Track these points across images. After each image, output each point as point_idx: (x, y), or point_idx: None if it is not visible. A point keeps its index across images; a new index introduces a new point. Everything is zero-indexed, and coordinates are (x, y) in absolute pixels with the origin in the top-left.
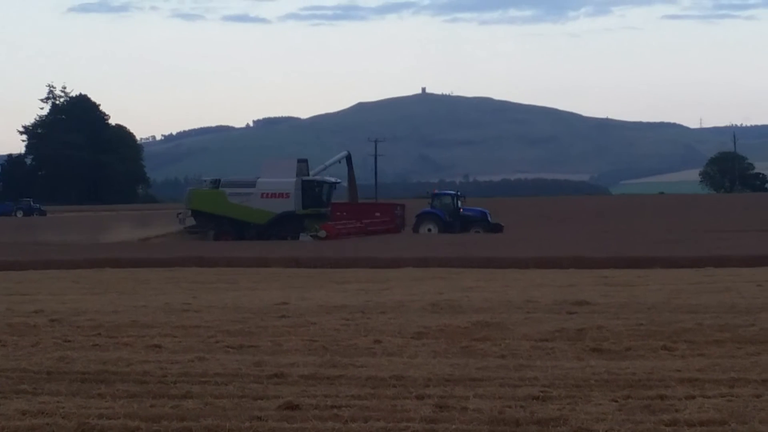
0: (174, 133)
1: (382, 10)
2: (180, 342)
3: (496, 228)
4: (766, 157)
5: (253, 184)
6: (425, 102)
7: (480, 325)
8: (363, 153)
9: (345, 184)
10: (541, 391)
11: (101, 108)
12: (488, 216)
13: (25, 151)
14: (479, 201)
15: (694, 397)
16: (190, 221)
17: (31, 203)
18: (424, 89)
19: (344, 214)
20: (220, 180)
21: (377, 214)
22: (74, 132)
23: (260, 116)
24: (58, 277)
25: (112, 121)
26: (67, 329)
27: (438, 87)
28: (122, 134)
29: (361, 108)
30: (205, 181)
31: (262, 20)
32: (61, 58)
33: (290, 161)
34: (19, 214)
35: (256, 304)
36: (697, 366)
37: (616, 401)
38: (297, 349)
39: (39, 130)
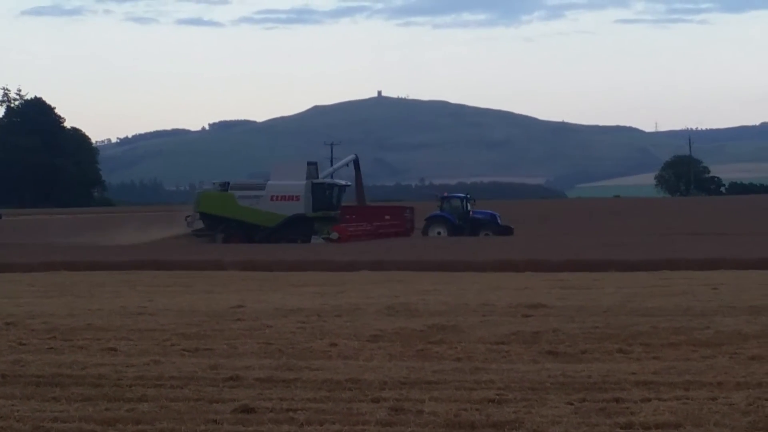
0: (130, 136)
1: (336, 14)
2: (135, 345)
3: (506, 230)
4: (720, 160)
5: (262, 187)
6: (381, 105)
7: (436, 329)
8: (319, 156)
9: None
10: (497, 394)
11: (56, 111)
12: (498, 219)
13: None
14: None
15: (649, 400)
16: (198, 224)
17: None
18: (380, 92)
19: (354, 217)
20: (228, 182)
21: (387, 216)
22: (29, 135)
23: (216, 119)
24: (13, 279)
25: (68, 124)
26: (22, 332)
27: (394, 90)
28: (77, 137)
29: (317, 111)
30: (213, 183)
31: (216, 24)
32: (15, 61)
33: (300, 164)
34: None
35: (211, 307)
36: (652, 369)
37: (572, 404)
38: (253, 352)
39: None
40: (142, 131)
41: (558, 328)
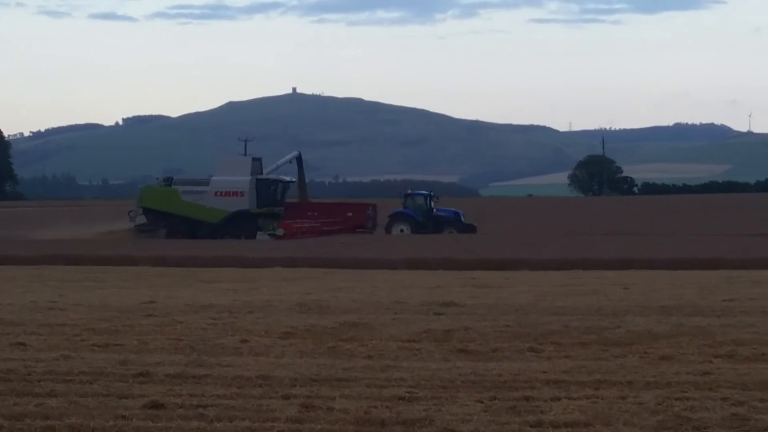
0: (42, 130)
1: (250, 10)
2: (45, 340)
3: (470, 228)
4: (634, 161)
5: (206, 182)
6: (296, 102)
7: (347, 326)
8: (232, 153)
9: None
10: (408, 392)
11: None
12: (461, 216)
13: None
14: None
15: (559, 399)
16: (141, 219)
17: None
18: (294, 89)
19: (316, 213)
20: (172, 178)
21: (349, 213)
22: None
23: (130, 114)
24: None
25: None
26: None
27: (308, 87)
28: None
29: (231, 107)
30: (157, 178)
31: (130, 18)
32: None
33: (245, 159)
34: None
35: (123, 302)
36: (562, 368)
37: (482, 402)
38: (163, 348)
39: None
40: (55, 125)
41: (469, 327)
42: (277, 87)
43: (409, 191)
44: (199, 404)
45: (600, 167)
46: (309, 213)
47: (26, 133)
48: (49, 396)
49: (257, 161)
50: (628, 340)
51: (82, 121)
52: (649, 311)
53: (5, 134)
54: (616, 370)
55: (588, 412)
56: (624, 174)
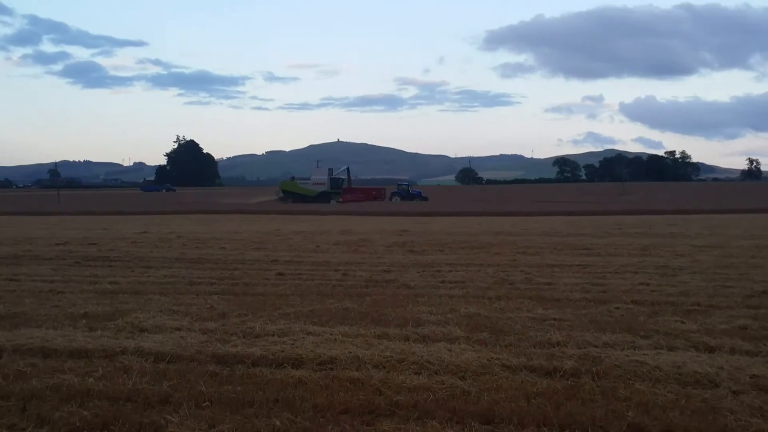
0: (231, 156)
1: (319, 106)
2: (233, 246)
3: (425, 199)
4: (482, 169)
5: (309, 179)
6: (339, 145)
7: (361, 240)
8: (308, 172)
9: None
10: (387, 269)
11: (199, 145)
12: (421, 193)
13: (167, 163)
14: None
15: (452, 271)
16: (280, 194)
17: (169, 186)
18: (338, 139)
19: (359, 192)
20: (294, 176)
21: (374, 192)
22: (188, 155)
23: (267, 149)
24: (178, 218)
25: (204, 151)
26: (184, 240)
27: (346, 137)
28: (208, 157)
29: (311, 147)
30: (288, 177)
31: (268, 109)
32: (183, 128)
33: (325, 169)
34: (164, 191)
35: (265, 230)
36: (453, 258)
37: (419, 273)
38: (283, 249)
39: (173, 155)
40: (235, 154)
41: (414, 240)
42: (330, 137)
43: (399, 183)
44: (299, 273)
45: (469, 173)
46: (356, 192)
47: (224, 158)
48: (234, 270)
49: (330, 169)
50: (480, 245)
51: (247, 152)
52: (489, 233)
53: (215, 158)
54: (475, 259)
55: (464, 276)
56: (479, 176)
